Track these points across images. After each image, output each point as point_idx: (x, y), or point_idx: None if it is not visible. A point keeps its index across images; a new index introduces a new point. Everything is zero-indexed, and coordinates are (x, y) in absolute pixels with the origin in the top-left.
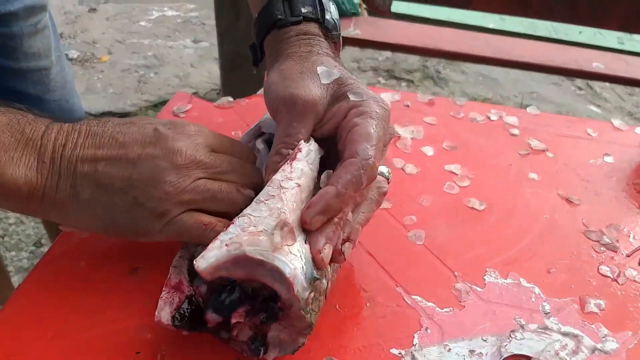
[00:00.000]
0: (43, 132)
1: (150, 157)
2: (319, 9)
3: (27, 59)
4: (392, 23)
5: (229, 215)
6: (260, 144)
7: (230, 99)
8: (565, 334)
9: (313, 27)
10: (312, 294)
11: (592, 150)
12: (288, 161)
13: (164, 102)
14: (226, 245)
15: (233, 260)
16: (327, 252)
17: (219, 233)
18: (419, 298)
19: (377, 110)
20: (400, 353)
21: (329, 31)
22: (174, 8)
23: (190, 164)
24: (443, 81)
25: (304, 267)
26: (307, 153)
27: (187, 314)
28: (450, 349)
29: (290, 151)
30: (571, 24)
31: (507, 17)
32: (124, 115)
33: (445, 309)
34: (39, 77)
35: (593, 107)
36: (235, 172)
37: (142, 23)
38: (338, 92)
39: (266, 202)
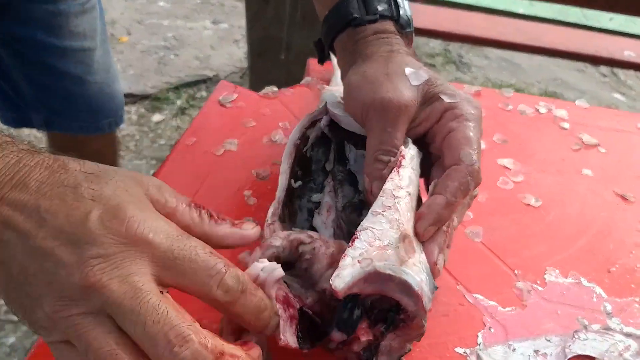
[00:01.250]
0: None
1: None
2: (393, 6)
3: (72, 37)
4: (418, 7)
5: None
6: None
7: (275, 88)
8: (628, 335)
9: (389, 25)
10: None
11: None
12: (394, 169)
13: (184, 85)
14: (358, 262)
15: (365, 277)
16: (441, 261)
17: None
18: (480, 297)
19: (473, 112)
20: (465, 352)
21: (403, 28)
22: None
23: None
24: (465, 66)
25: (427, 278)
26: (411, 158)
27: (307, 334)
28: (514, 349)
29: (391, 158)
30: (605, 11)
31: (536, 2)
32: (145, 97)
33: (507, 308)
34: (83, 57)
35: (617, 95)
36: None
37: (161, 3)
38: (429, 94)
39: (383, 213)
